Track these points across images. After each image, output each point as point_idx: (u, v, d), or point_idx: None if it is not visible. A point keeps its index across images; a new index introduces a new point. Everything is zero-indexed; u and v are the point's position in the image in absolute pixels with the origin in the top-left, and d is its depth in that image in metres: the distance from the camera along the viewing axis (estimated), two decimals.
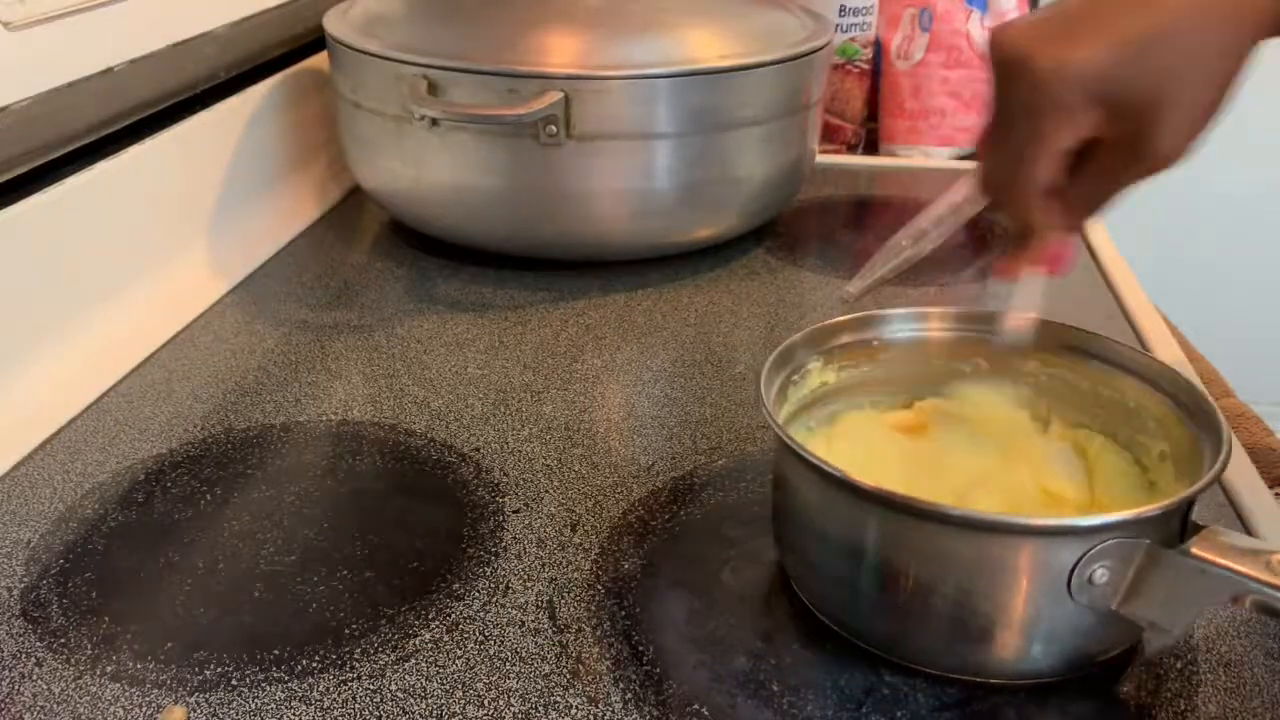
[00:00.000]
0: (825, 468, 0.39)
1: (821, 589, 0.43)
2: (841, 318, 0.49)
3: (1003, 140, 0.42)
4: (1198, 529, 0.37)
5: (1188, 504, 0.38)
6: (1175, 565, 0.37)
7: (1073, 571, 0.37)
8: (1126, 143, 0.40)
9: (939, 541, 0.38)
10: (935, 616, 0.39)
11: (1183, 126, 0.39)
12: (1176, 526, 0.38)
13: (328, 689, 0.40)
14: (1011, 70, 0.41)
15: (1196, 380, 0.60)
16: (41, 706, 0.39)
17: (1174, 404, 0.44)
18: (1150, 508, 0.37)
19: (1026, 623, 0.39)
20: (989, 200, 0.45)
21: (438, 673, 0.41)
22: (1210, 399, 0.42)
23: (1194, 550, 0.36)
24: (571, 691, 0.40)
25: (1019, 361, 0.49)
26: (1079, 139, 0.40)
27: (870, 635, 0.42)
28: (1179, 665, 0.41)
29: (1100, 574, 0.37)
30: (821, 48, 0.76)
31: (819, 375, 0.48)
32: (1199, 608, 0.38)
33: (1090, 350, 0.47)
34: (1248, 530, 0.49)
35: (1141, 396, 0.45)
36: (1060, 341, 0.48)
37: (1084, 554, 0.36)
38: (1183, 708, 0.40)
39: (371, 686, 0.40)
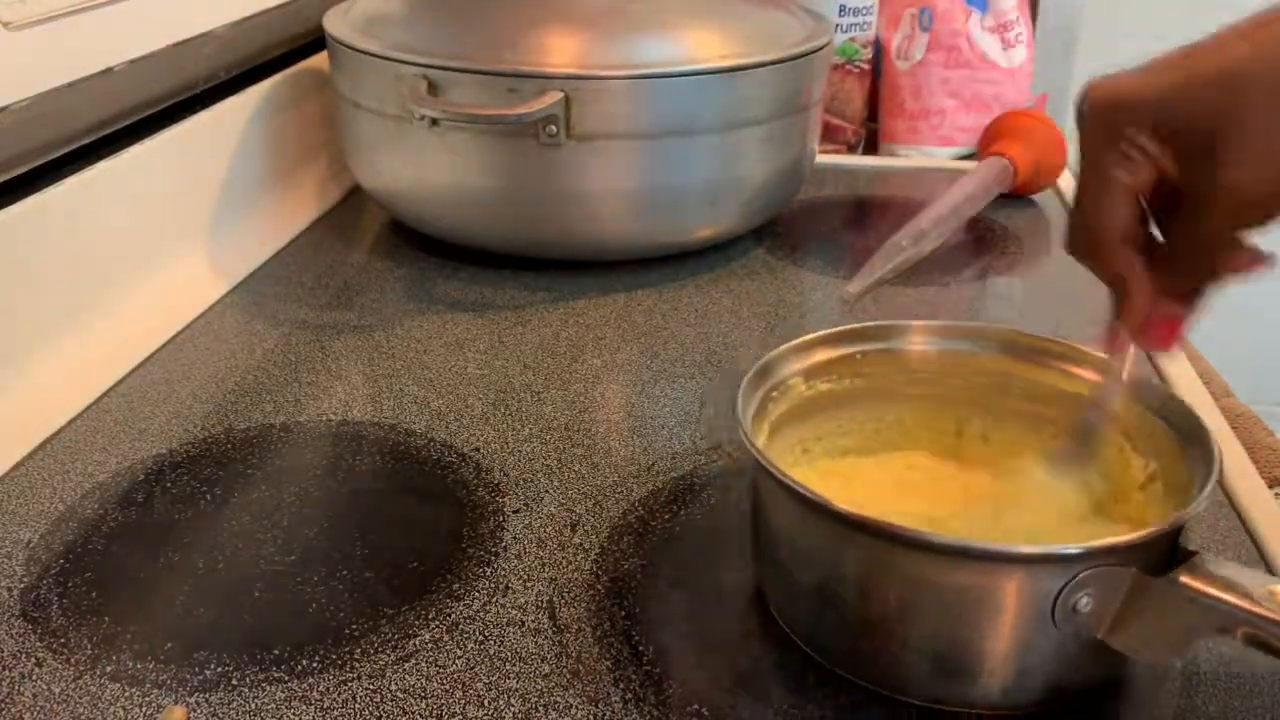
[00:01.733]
0: (804, 492, 0.38)
1: (800, 616, 0.42)
2: (821, 332, 0.48)
3: (1077, 191, 0.40)
4: (1188, 555, 0.36)
5: (1176, 530, 0.37)
6: (1162, 594, 0.35)
7: (1056, 600, 0.36)
8: (1196, 181, 0.37)
9: (919, 569, 0.37)
10: (916, 646, 0.38)
11: (1256, 155, 0.35)
12: (1164, 553, 0.37)
13: (328, 689, 0.40)
14: (1077, 114, 0.39)
15: (1203, 393, 0.60)
16: (41, 706, 0.39)
17: (1165, 423, 0.43)
18: (1135, 535, 0.36)
19: (1010, 653, 0.38)
20: (1077, 259, 0.41)
21: (438, 673, 0.41)
22: (1203, 420, 0.41)
23: (1182, 579, 0.35)
24: (571, 691, 0.40)
25: (1005, 377, 0.48)
26: (1142, 178, 0.38)
27: (849, 663, 0.40)
28: (1179, 665, 0.41)
29: (1085, 603, 0.36)
30: (821, 48, 0.76)
31: (801, 390, 0.47)
32: (1188, 638, 0.36)
33: (1080, 364, 0.46)
34: (1247, 530, 0.49)
35: (1131, 413, 0.44)
36: (1048, 355, 0.47)
37: (1067, 582, 0.35)
38: (1183, 707, 0.40)
39: (371, 686, 0.40)
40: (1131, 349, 0.42)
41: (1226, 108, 0.36)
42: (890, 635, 0.39)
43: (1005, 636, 0.37)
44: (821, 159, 0.89)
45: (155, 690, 0.40)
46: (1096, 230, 0.40)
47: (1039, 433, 0.47)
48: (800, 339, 0.47)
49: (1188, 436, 0.41)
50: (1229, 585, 0.35)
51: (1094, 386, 0.44)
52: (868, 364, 0.48)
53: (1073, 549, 0.36)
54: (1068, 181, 0.91)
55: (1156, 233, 0.40)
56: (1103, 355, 0.45)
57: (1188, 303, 0.40)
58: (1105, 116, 0.38)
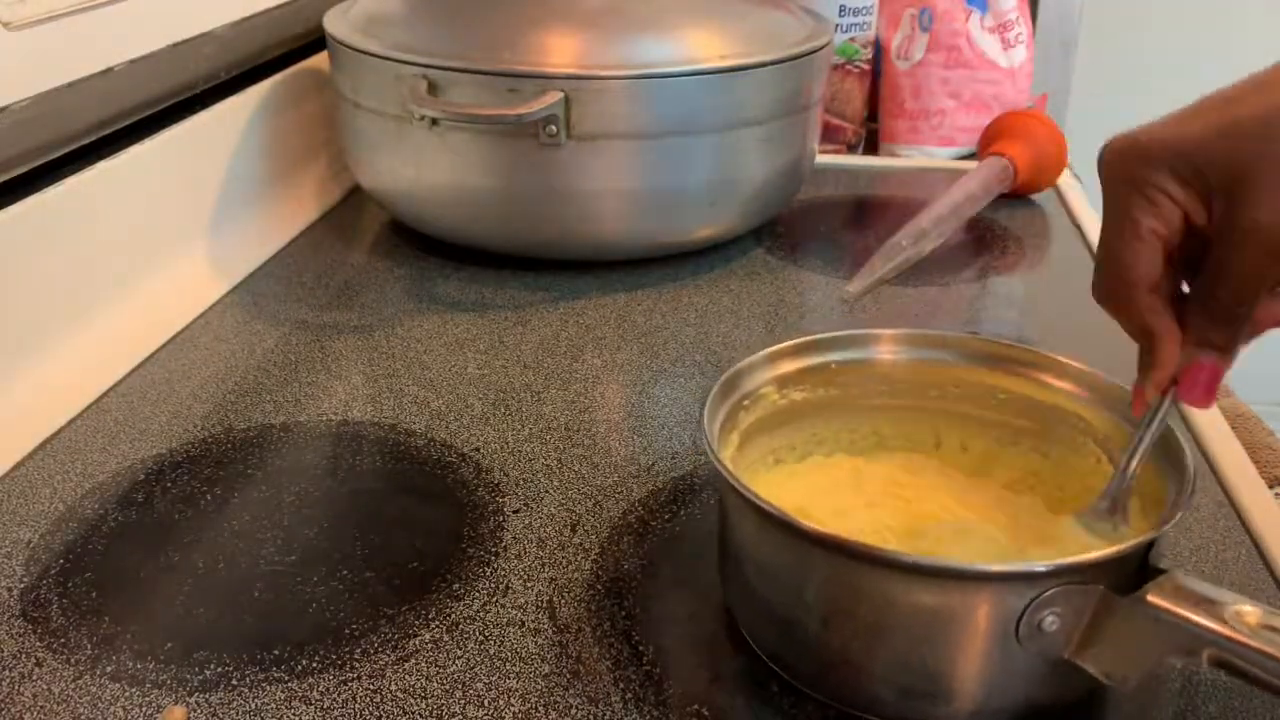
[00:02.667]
0: (766, 508, 0.37)
1: (766, 634, 0.41)
2: (791, 341, 0.47)
3: (1102, 238, 0.39)
4: (1158, 573, 0.35)
5: (1144, 549, 0.36)
6: (1129, 613, 0.35)
7: (1020, 619, 0.35)
8: (1225, 225, 0.36)
9: (882, 586, 0.36)
10: (880, 664, 0.38)
11: None
12: (1134, 572, 0.36)
13: (328, 689, 0.40)
14: (1099, 164, 0.38)
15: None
16: (41, 706, 0.39)
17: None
18: (1101, 553, 0.35)
19: (976, 672, 0.37)
20: (1105, 309, 0.40)
21: (438, 673, 0.41)
22: (1180, 439, 0.40)
23: (1149, 598, 0.34)
24: (571, 691, 0.40)
25: (981, 387, 0.47)
26: (1168, 223, 0.37)
27: (813, 681, 0.40)
28: (1179, 665, 0.41)
29: (1050, 621, 0.35)
30: (821, 48, 0.76)
31: (774, 399, 0.47)
32: (1154, 659, 0.35)
33: (1054, 373, 0.46)
34: (1247, 530, 0.49)
35: (1111, 428, 0.44)
36: (1021, 364, 0.46)
37: (1031, 601, 0.35)
38: (1183, 707, 0.40)
39: (371, 686, 0.40)
40: (1165, 404, 0.40)
41: (1257, 152, 0.35)
42: (853, 653, 0.38)
43: (969, 655, 0.37)
44: (821, 159, 0.89)
45: (155, 690, 0.40)
46: (1124, 279, 0.38)
47: (1016, 444, 0.47)
48: (770, 348, 0.46)
49: (1166, 453, 0.40)
50: (1196, 605, 0.34)
51: (1122, 449, 0.42)
52: (842, 373, 0.48)
53: (1034, 567, 0.36)
54: (1068, 181, 0.91)
55: (1185, 286, 0.39)
56: (1084, 369, 0.44)
57: (1222, 355, 0.39)
58: (1128, 162, 0.37)
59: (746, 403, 0.46)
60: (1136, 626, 0.35)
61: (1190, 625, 0.34)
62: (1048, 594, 0.35)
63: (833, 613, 0.38)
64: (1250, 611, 0.33)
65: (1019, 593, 0.35)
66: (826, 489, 0.47)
